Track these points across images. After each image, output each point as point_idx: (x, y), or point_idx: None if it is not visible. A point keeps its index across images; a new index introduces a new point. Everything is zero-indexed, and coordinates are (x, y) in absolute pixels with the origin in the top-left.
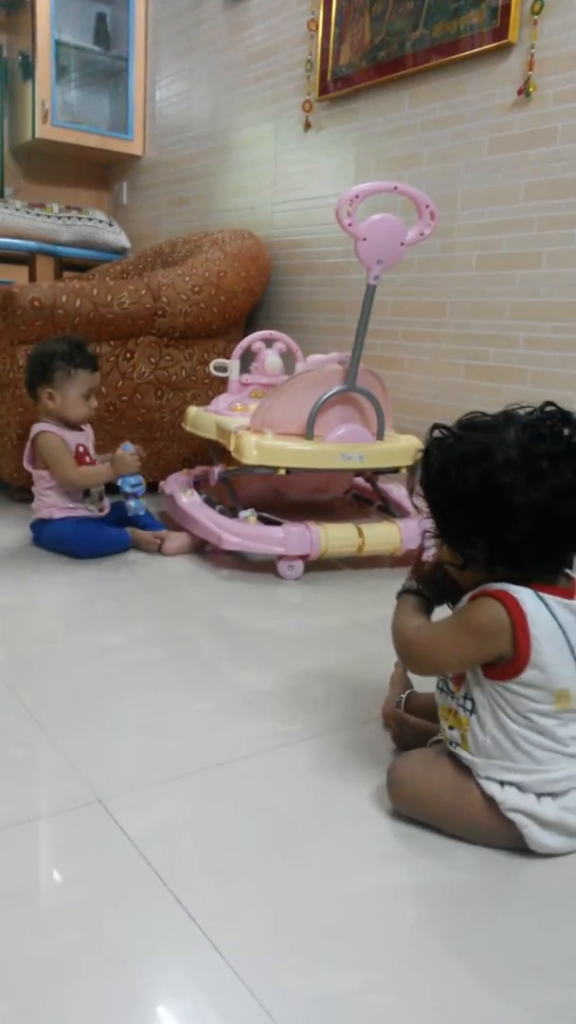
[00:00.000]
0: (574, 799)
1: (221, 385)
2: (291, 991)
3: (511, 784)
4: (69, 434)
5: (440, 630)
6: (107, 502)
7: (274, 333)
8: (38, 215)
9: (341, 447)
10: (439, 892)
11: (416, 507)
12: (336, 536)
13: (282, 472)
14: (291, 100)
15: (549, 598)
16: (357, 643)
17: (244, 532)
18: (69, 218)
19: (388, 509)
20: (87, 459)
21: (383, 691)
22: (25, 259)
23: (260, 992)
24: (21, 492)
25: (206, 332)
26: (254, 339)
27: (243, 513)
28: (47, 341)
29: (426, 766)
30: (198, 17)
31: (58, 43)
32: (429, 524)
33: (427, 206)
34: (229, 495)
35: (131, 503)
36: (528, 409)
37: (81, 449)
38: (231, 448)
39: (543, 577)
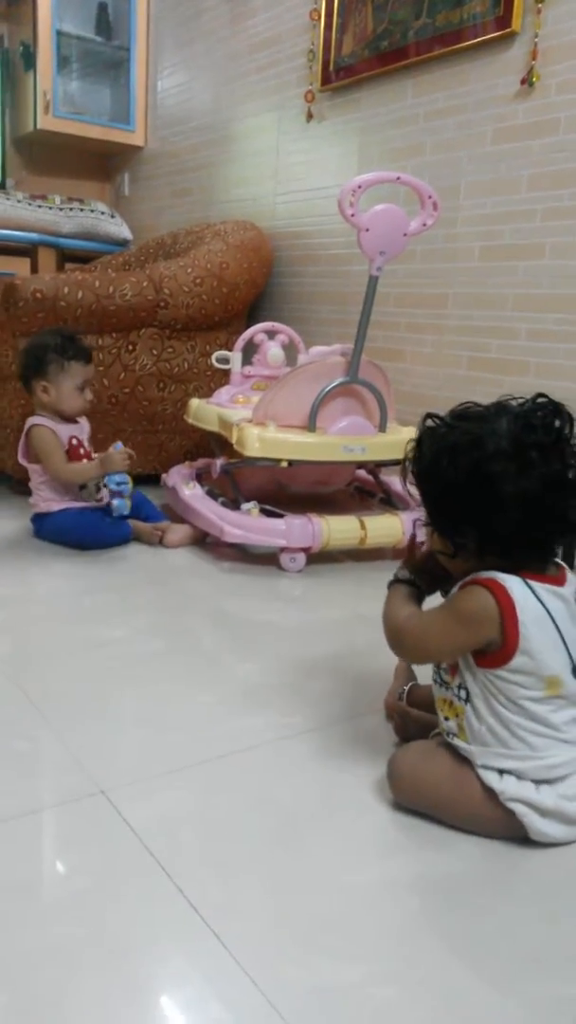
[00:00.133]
0: (571, 786)
1: (223, 377)
2: (293, 982)
3: (509, 772)
4: (63, 427)
5: (430, 619)
6: (105, 492)
7: (276, 325)
8: (40, 207)
9: (343, 439)
10: (440, 884)
11: (409, 494)
12: (338, 528)
13: (284, 464)
14: (293, 90)
15: (537, 585)
16: (359, 635)
17: (246, 524)
18: (71, 209)
19: (390, 501)
20: (81, 451)
21: (385, 683)
22: (27, 251)
23: (262, 983)
24: (22, 485)
25: (208, 324)
26: (256, 331)
27: (245, 505)
28: (39, 334)
29: (426, 758)
30: (199, 7)
31: (59, 33)
32: (422, 513)
33: (430, 196)
34: (231, 487)
35: (115, 502)
36: (520, 400)
37: (75, 441)
38: (233, 440)
39: (532, 565)
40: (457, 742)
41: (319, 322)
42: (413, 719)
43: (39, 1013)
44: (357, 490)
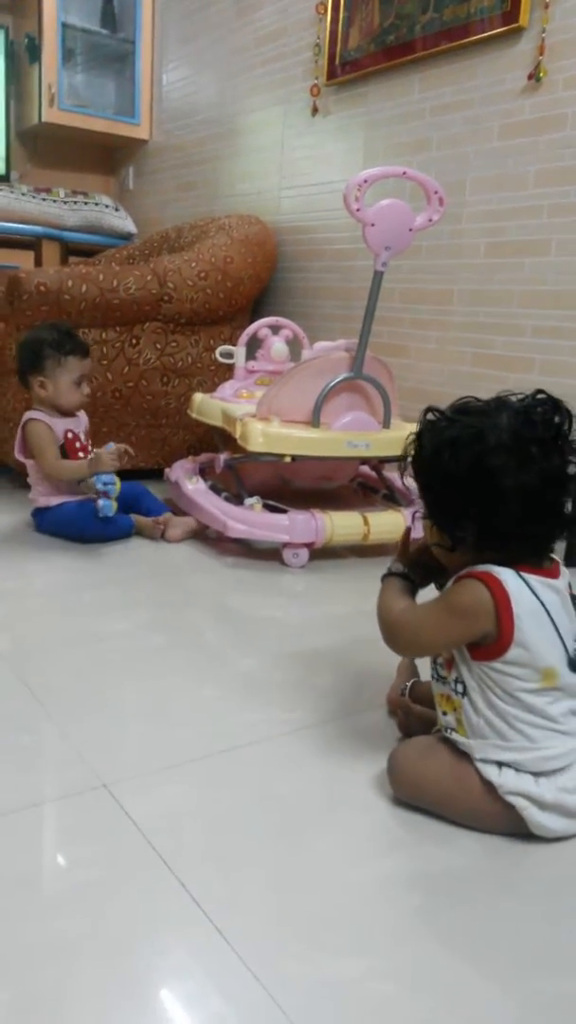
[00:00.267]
0: (570, 779)
1: (227, 372)
2: (294, 977)
3: (507, 765)
4: (59, 421)
5: (425, 612)
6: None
7: (280, 320)
8: (44, 200)
9: (347, 435)
10: (441, 880)
11: (407, 488)
12: (341, 524)
13: (288, 460)
14: (299, 84)
15: (531, 578)
16: (362, 631)
17: (249, 519)
18: (75, 203)
19: (394, 497)
20: (77, 444)
21: (387, 679)
22: (31, 244)
23: (264, 977)
24: (25, 478)
25: (212, 318)
26: (260, 326)
27: (248, 500)
28: (35, 329)
29: (425, 753)
30: (205, 0)
31: (65, 26)
32: (420, 506)
33: (436, 192)
34: (235, 482)
35: (101, 502)
36: (520, 396)
37: (70, 435)
38: (237, 435)
39: (529, 559)
40: (456, 737)
41: (323, 317)
42: (416, 715)
43: (40, 1006)
44: (360, 486)
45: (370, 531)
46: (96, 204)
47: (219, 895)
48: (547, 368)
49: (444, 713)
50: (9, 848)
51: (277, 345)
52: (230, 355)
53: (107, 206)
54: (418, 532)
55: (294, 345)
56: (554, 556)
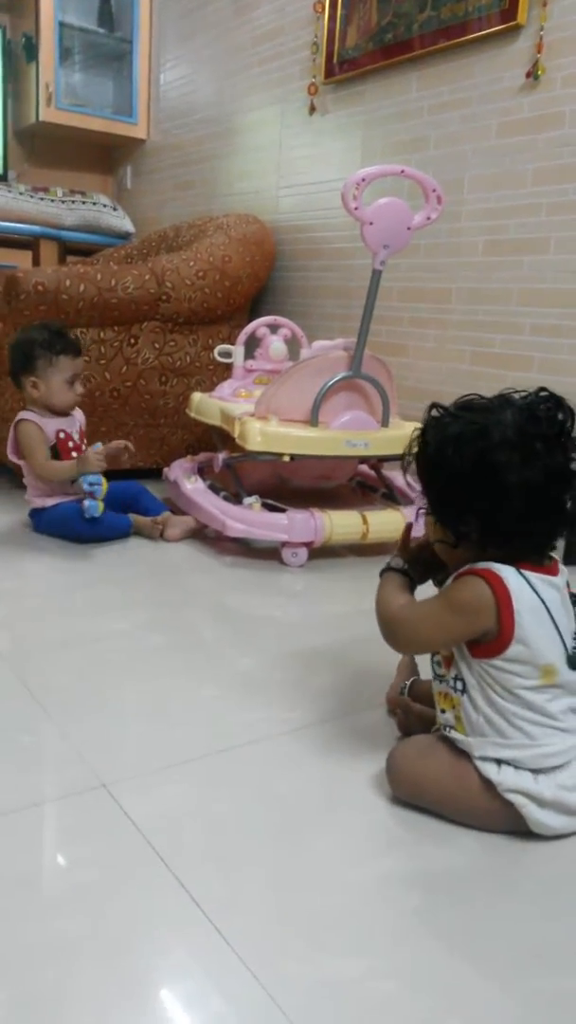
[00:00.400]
0: (569, 776)
1: (225, 371)
2: (294, 976)
3: (506, 763)
4: (51, 421)
5: (425, 608)
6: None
7: (279, 319)
8: (42, 199)
9: (346, 434)
10: (441, 879)
11: (410, 485)
12: (340, 523)
13: (286, 459)
14: (296, 83)
15: (532, 575)
16: (361, 630)
17: (248, 519)
18: (73, 202)
19: (393, 496)
20: (70, 444)
21: (387, 678)
22: (29, 243)
23: (263, 977)
24: (21, 479)
25: (210, 317)
26: (259, 325)
27: (247, 500)
28: (26, 329)
29: (424, 752)
30: None
31: (62, 25)
32: (423, 503)
33: (434, 190)
34: (233, 481)
35: (86, 503)
36: (523, 393)
37: (62, 435)
38: (235, 434)
39: (531, 557)
40: (454, 735)
41: (322, 316)
42: (415, 714)
43: (40, 1006)
44: (359, 485)
45: (369, 530)
46: (94, 203)
47: (218, 895)
48: (546, 366)
49: (443, 711)
50: (8, 848)
51: (275, 344)
52: (228, 354)
53: (105, 205)
54: (419, 529)
55: (292, 344)
56: (553, 554)
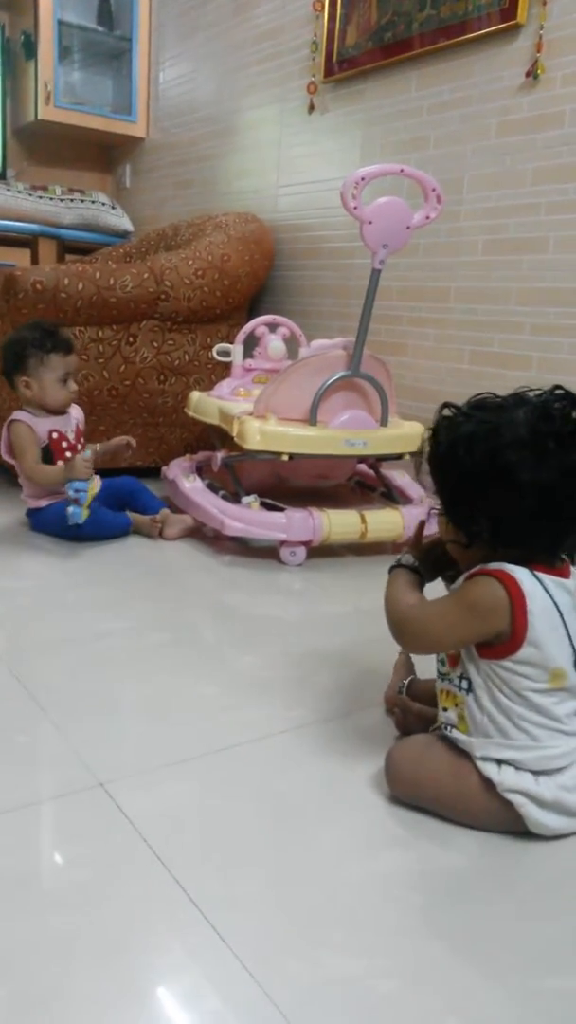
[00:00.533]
0: (571, 778)
1: (224, 370)
2: (292, 975)
3: (508, 763)
4: (44, 421)
5: (436, 609)
6: (97, 481)
7: (278, 318)
8: (40, 197)
9: (345, 433)
10: (440, 878)
11: (422, 485)
12: (339, 522)
13: (285, 458)
14: (296, 82)
15: (545, 577)
16: (359, 629)
17: (247, 518)
18: (72, 201)
19: (391, 496)
20: (64, 444)
21: (385, 677)
22: (27, 242)
23: (260, 976)
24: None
25: (209, 316)
26: (257, 324)
27: (246, 499)
28: (18, 329)
29: (423, 752)
30: None
31: (61, 23)
32: (435, 502)
33: (433, 189)
34: (232, 481)
35: (70, 508)
36: (537, 392)
37: (55, 436)
38: (234, 433)
39: (543, 557)
40: (456, 734)
41: (321, 315)
42: (414, 713)
43: (37, 1003)
44: (358, 484)
45: (367, 529)
46: (93, 202)
47: (215, 893)
48: (545, 365)
49: (445, 709)
50: (5, 847)
51: (274, 343)
52: (227, 353)
53: (104, 204)
54: (431, 527)
55: (291, 343)
56: (564, 556)
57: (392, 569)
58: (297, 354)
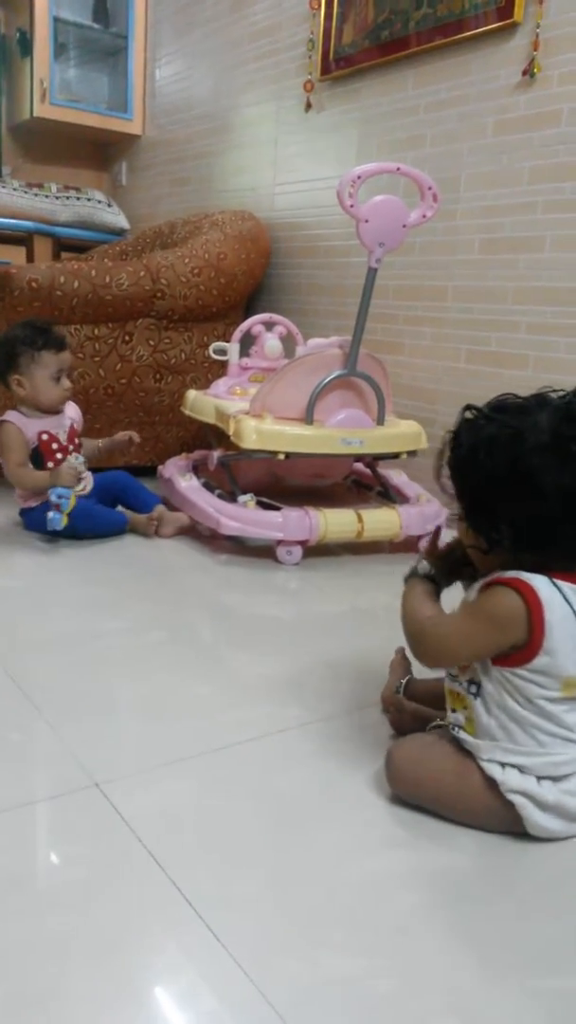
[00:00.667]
0: (574, 782)
1: (220, 369)
2: (289, 975)
3: (512, 766)
4: (36, 422)
5: (455, 621)
6: (89, 479)
7: (274, 316)
8: (36, 195)
9: (341, 432)
10: (439, 878)
11: (442, 488)
12: (335, 521)
13: (281, 457)
14: (292, 80)
15: (564, 585)
16: (356, 629)
17: (243, 517)
18: (67, 198)
19: (388, 495)
20: (54, 446)
21: (382, 676)
22: (23, 239)
23: (256, 976)
24: None
25: (205, 315)
26: (254, 322)
27: (242, 498)
28: (9, 328)
29: (426, 750)
30: None
31: (56, 20)
32: (455, 508)
33: (430, 188)
34: (228, 480)
35: (50, 514)
36: (560, 393)
37: (45, 437)
38: (230, 432)
39: (564, 564)
40: (462, 735)
41: (317, 314)
42: (410, 712)
43: (33, 1003)
44: (354, 483)
45: (364, 528)
46: (89, 199)
47: (211, 893)
48: (541, 364)
49: (453, 710)
50: (0, 847)
51: (271, 342)
52: (224, 352)
53: (100, 201)
54: (445, 535)
55: (288, 342)
56: None
57: (407, 579)
58: (294, 353)
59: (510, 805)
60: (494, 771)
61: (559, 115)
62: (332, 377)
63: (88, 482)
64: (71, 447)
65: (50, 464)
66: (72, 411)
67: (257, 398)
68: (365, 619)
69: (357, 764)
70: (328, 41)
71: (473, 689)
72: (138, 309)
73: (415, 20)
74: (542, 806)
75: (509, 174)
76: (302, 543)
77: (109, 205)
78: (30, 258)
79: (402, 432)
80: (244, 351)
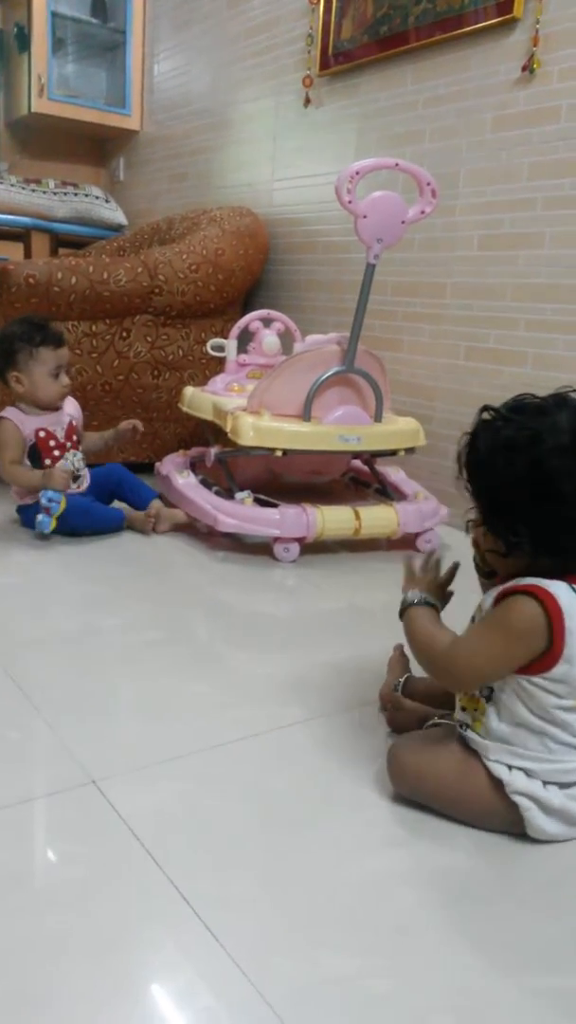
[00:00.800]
0: None
1: (218, 365)
2: (284, 973)
3: (520, 769)
4: (33, 420)
5: (477, 639)
6: (85, 476)
7: (272, 313)
8: (34, 191)
9: (339, 429)
10: (438, 876)
11: (463, 492)
12: (332, 519)
13: (279, 454)
14: (291, 75)
15: None
16: (353, 626)
17: (240, 514)
18: (65, 194)
19: (385, 492)
20: (51, 444)
21: (379, 674)
22: (20, 235)
23: (254, 974)
24: None
25: (203, 311)
26: (252, 319)
27: (239, 495)
28: (7, 324)
29: (429, 747)
30: None
31: (55, 15)
32: (473, 510)
33: (428, 184)
34: (225, 476)
35: (40, 516)
36: None
37: (42, 434)
38: (228, 429)
39: None
40: (469, 734)
41: (315, 310)
42: (407, 710)
43: (29, 1001)
44: (352, 480)
45: (361, 526)
46: (86, 195)
47: (208, 891)
48: (540, 362)
49: (463, 708)
50: None
51: (268, 338)
52: (221, 348)
53: (97, 197)
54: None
55: (286, 338)
56: None
57: (403, 612)
58: (291, 349)
59: (513, 806)
60: (501, 772)
61: (558, 111)
62: (330, 374)
63: (84, 479)
64: (69, 444)
65: (47, 461)
66: (71, 408)
67: (255, 395)
68: (363, 616)
69: (356, 762)
70: (327, 36)
71: (486, 692)
72: (136, 305)
73: (414, 15)
74: (546, 810)
75: (508, 170)
76: (299, 540)
77: (107, 201)
78: (28, 254)
79: (400, 429)
80: (242, 347)
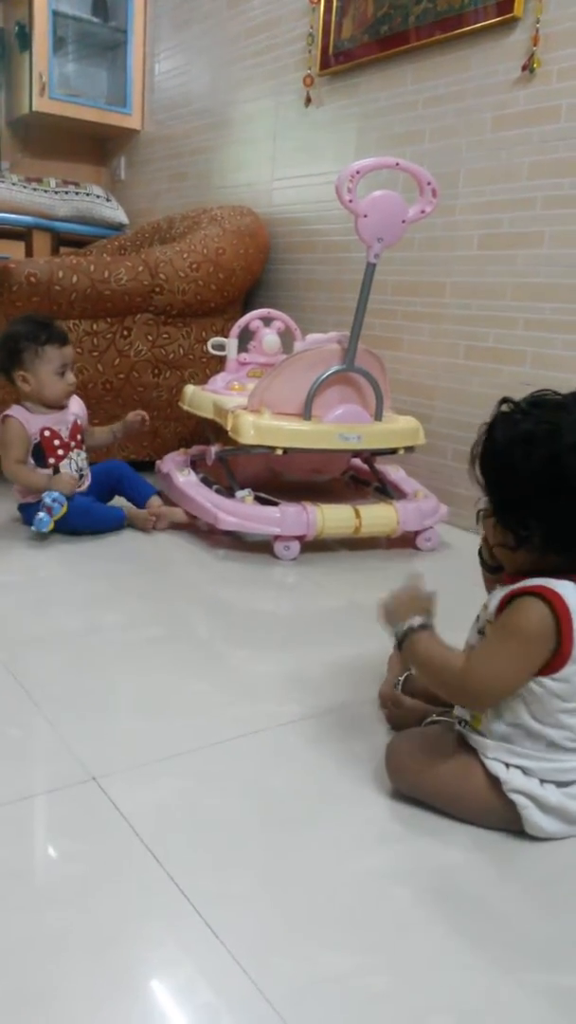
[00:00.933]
0: None
1: (219, 364)
2: (286, 971)
3: (517, 767)
4: (39, 418)
5: (493, 652)
6: (88, 474)
7: (272, 312)
8: (35, 190)
9: (339, 427)
10: (436, 874)
11: (478, 483)
12: (333, 517)
13: (279, 452)
14: (291, 75)
15: None
16: (353, 624)
17: (241, 512)
18: (66, 193)
19: (385, 491)
20: (56, 443)
21: (379, 672)
22: (21, 234)
23: (254, 972)
24: None
25: (204, 310)
26: (252, 317)
27: (240, 493)
28: (11, 323)
29: (428, 745)
30: None
31: (56, 14)
32: (484, 503)
33: (429, 183)
34: (226, 475)
35: (40, 514)
36: None
37: (47, 433)
38: (228, 427)
39: None
40: (468, 731)
41: (315, 309)
42: (407, 708)
43: (30, 998)
44: (352, 479)
45: (361, 524)
46: (87, 194)
47: (208, 888)
48: (539, 361)
49: (463, 705)
50: None
51: (269, 337)
52: (222, 347)
53: (98, 196)
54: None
55: (286, 337)
56: None
57: (402, 641)
58: (292, 348)
59: (511, 804)
60: (498, 769)
61: (558, 111)
62: (330, 373)
63: (87, 478)
64: (73, 444)
65: (52, 460)
66: (76, 407)
67: (255, 393)
68: (363, 614)
69: (355, 760)
70: (327, 35)
71: None
72: (136, 304)
73: (415, 15)
74: (544, 808)
75: (508, 170)
76: (300, 538)
77: (108, 200)
78: (29, 253)
79: (400, 428)
80: (242, 346)
